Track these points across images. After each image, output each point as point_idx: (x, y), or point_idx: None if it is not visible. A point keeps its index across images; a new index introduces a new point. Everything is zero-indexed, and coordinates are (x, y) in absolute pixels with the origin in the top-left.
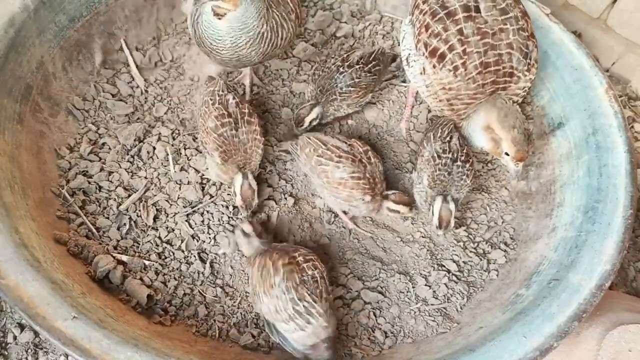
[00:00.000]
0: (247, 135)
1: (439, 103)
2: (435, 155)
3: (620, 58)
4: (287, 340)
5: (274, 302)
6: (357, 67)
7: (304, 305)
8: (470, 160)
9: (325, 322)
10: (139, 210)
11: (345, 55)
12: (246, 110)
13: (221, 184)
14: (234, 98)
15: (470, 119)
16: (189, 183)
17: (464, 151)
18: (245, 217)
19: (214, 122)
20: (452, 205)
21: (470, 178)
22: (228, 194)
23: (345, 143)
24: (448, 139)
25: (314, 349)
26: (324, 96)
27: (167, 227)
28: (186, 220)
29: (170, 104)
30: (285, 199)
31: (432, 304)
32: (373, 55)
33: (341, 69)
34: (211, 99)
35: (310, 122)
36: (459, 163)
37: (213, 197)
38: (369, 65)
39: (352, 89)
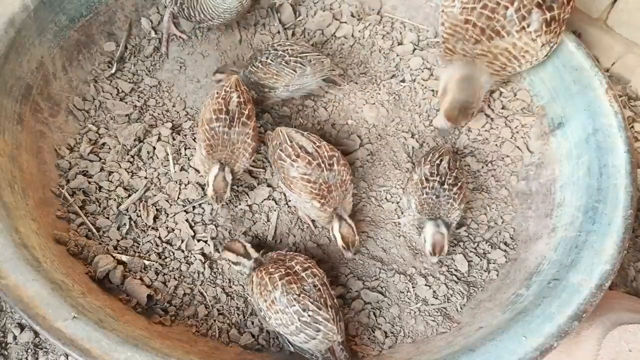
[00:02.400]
0: (239, 136)
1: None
2: (424, 178)
3: (620, 58)
4: (303, 350)
5: (280, 317)
6: (283, 51)
7: (309, 315)
8: (459, 183)
9: (334, 327)
10: (139, 210)
11: (290, 42)
12: (246, 112)
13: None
14: (238, 97)
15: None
16: (189, 183)
17: (453, 174)
18: (216, 209)
19: (210, 115)
20: (443, 229)
21: (458, 202)
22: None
23: (314, 144)
24: (438, 162)
25: (330, 353)
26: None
27: (167, 227)
28: (186, 220)
29: (172, 103)
30: (286, 198)
31: (432, 304)
32: (307, 54)
33: (275, 46)
34: (217, 93)
35: (217, 78)
36: (446, 186)
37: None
38: (298, 57)
39: (260, 65)
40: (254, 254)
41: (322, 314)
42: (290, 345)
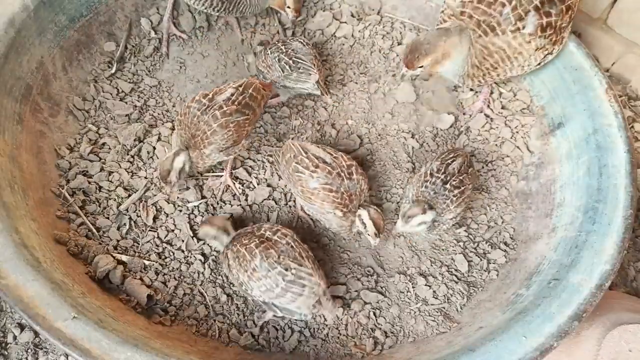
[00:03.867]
0: (203, 124)
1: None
2: (429, 172)
3: (620, 58)
4: (292, 312)
5: (263, 283)
6: (286, 48)
7: (292, 273)
8: (462, 188)
9: (317, 279)
10: (139, 210)
11: (301, 41)
12: (224, 108)
13: (227, 186)
14: (231, 94)
15: None
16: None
17: (460, 177)
18: (166, 190)
19: (192, 101)
20: (428, 216)
21: (454, 205)
22: (231, 194)
23: (330, 155)
24: (449, 161)
25: (319, 306)
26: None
27: (166, 228)
28: (187, 221)
29: (172, 103)
30: (286, 198)
31: (432, 304)
32: (302, 62)
33: (285, 40)
34: (216, 89)
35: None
36: (447, 187)
37: (214, 197)
38: (292, 60)
39: (263, 54)
40: (232, 231)
41: (304, 269)
42: (277, 310)
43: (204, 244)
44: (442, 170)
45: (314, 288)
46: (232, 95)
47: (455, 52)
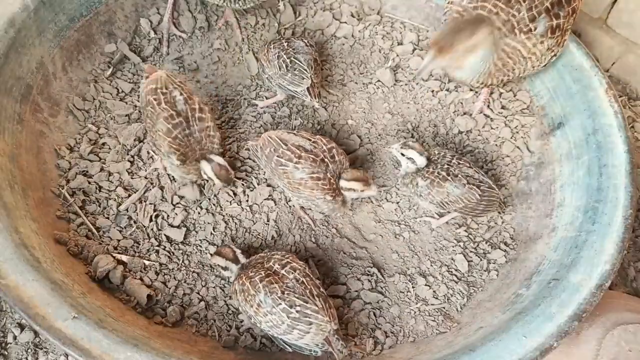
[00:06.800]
0: (200, 133)
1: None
2: (433, 169)
3: (620, 58)
4: (300, 347)
5: (269, 319)
6: (288, 46)
7: (297, 311)
8: (460, 175)
9: (325, 317)
10: (139, 211)
11: (306, 43)
12: (196, 106)
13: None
14: (181, 94)
15: None
16: (188, 183)
17: (467, 170)
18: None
19: (164, 125)
20: (418, 159)
21: (446, 178)
22: (227, 194)
23: (309, 140)
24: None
25: (327, 344)
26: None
27: (167, 227)
28: (186, 220)
29: None
30: (286, 198)
31: (432, 304)
32: (299, 63)
33: (291, 39)
34: (155, 99)
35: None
36: (454, 162)
37: (215, 197)
38: (289, 59)
39: (267, 47)
40: (242, 259)
41: (310, 306)
42: (287, 346)
43: (203, 241)
44: (456, 156)
45: (322, 325)
46: (181, 93)
47: (479, 50)
